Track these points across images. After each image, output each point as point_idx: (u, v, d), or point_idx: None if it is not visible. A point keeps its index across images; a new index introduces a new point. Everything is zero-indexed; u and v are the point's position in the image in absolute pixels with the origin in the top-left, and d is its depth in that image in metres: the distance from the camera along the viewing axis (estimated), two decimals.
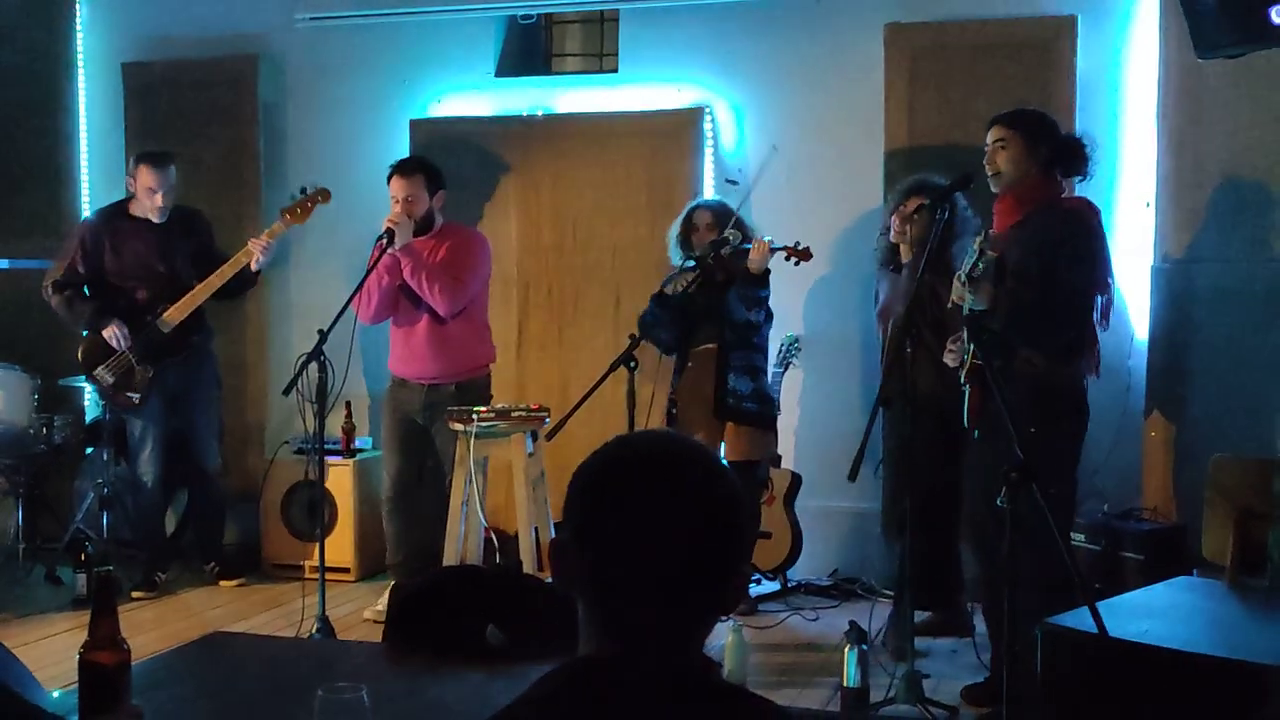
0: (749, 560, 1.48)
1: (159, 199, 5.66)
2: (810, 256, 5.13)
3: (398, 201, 5.35)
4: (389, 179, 5.42)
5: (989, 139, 4.24)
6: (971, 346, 3.90)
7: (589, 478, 1.43)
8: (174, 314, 5.65)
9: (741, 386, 5.26)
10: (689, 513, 1.38)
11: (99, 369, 5.68)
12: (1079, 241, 4.07)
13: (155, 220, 5.71)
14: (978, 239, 3.97)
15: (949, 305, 4.10)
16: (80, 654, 1.98)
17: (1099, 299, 4.14)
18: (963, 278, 3.93)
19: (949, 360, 4.20)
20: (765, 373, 5.42)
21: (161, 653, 2.77)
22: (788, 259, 5.15)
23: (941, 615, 4.96)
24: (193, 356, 5.80)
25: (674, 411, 5.35)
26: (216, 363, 6.05)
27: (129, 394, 5.68)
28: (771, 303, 5.34)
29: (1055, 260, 3.99)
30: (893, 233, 4.90)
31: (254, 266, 5.61)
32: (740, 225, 5.28)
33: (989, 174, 4.22)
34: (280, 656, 2.64)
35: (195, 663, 2.54)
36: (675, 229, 5.45)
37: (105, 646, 1.98)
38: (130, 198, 5.78)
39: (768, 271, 5.20)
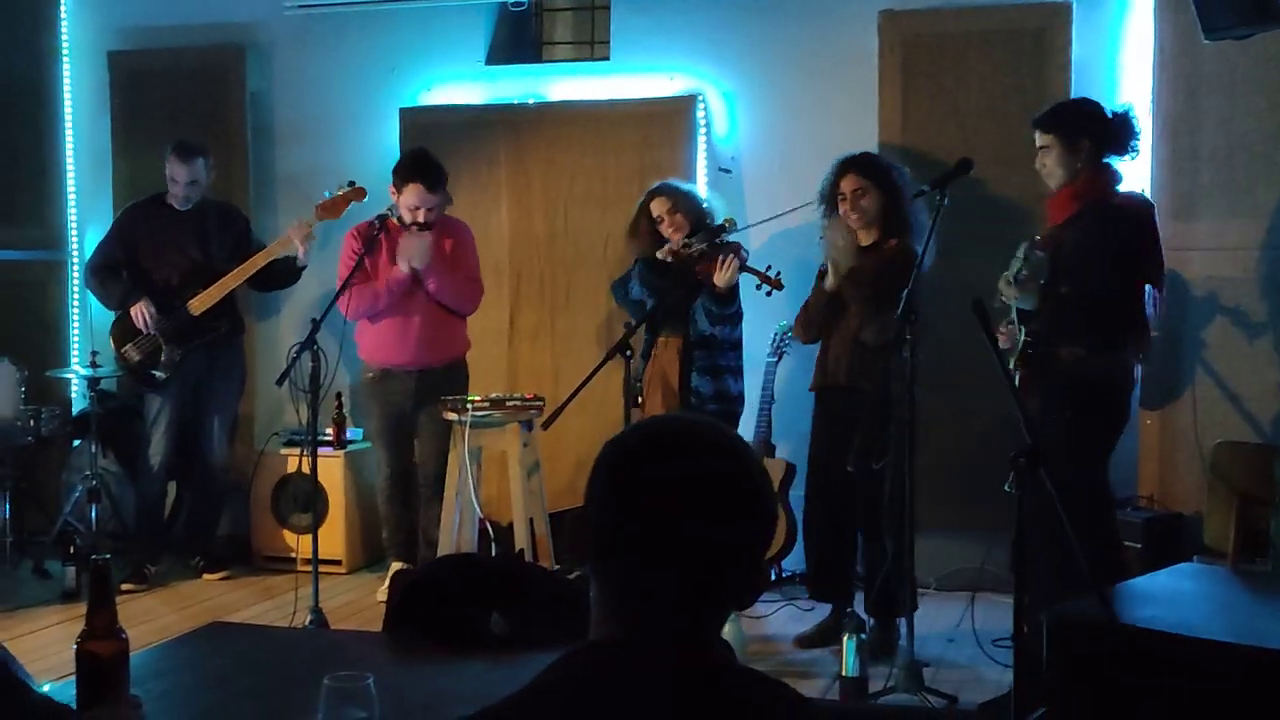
0: (766, 551, 1.46)
1: (178, 189, 5.78)
2: (781, 287, 4.93)
3: (417, 210, 5.33)
4: (406, 181, 5.36)
5: (1036, 141, 4.22)
6: (1022, 334, 3.91)
7: (616, 454, 1.40)
8: (202, 300, 5.71)
9: (704, 388, 5.19)
10: (714, 498, 1.36)
11: (127, 346, 5.76)
12: (1130, 241, 4.06)
13: (179, 209, 5.80)
14: (1024, 245, 3.97)
15: (998, 303, 4.09)
16: (78, 644, 1.94)
17: (1151, 291, 4.14)
18: (1010, 279, 3.94)
19: (1002, 342, 4.15)
20: (730, 370, 5.27)
21: (159, 643, 2.73)
22: (758, 287, 4.98)
23: (878, 633, 4.65)
24: (219, 345, 5.86)
25: (640, 400, 5.27)
26: (243, 357, 6.09)
27: (153, 371, 5.72)
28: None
29: (1107, 262, 3.97)
30: (850, 220, 4.77)
31: (300, 262, 5.70)
32: (697, 211, 5.25)
33: (1043, 176, 4.22)
34: (280, 646, 2.60)
35: (194, 653, 2.50)
36: (629, 225, 5.37)
37: (103, 636, 1.94)
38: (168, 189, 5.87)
39: (736, 285, 5.08)
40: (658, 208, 5.26)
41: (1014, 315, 4.03)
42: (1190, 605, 3.20)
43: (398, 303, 5.43)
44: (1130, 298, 4.09)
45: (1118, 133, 4.14)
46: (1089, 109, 4.24)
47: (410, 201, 5.34)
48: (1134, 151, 4.21)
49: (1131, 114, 4.20)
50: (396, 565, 5.54)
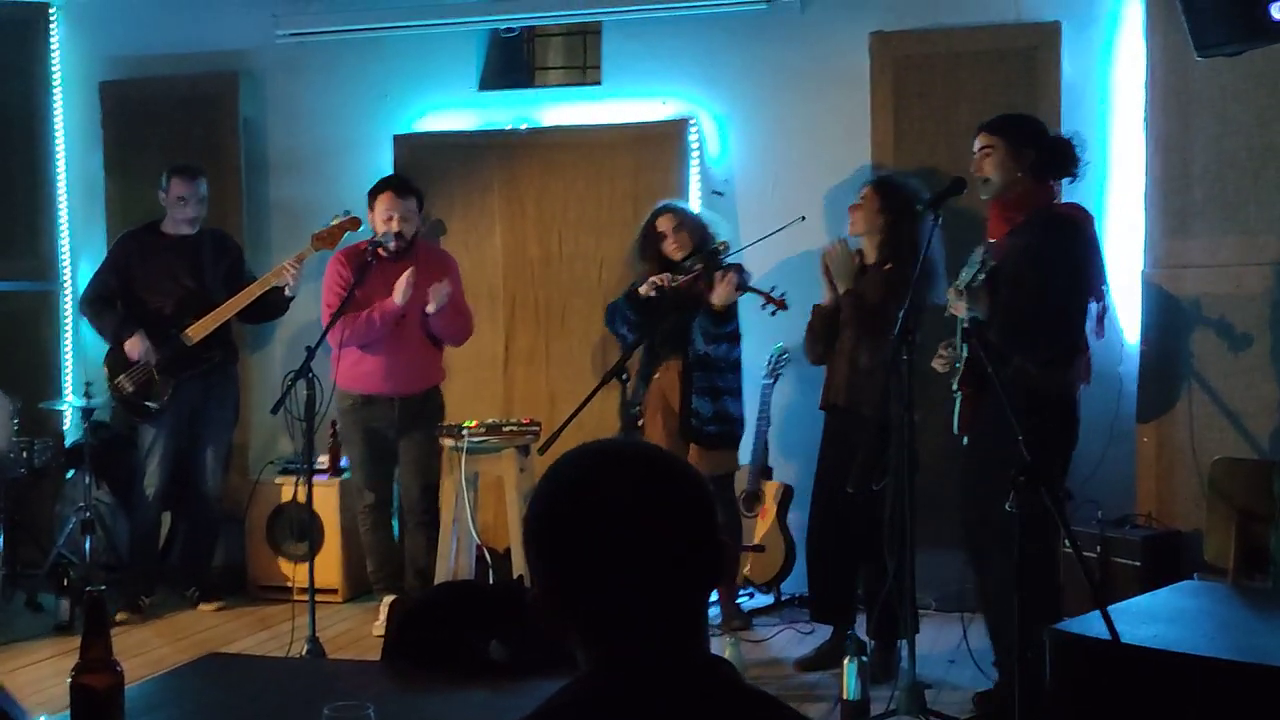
0: (721, 529, 1.48)
1: (188, 209, 5.77)
2: (786, 307, 4.96)
3: (391, 220, 5.32)
4: (376, 195, 5.37)
5: (975, 145, 4.22)
6: (964, 351, 3.87)
7: (545, 522, 1.39)
8: (197, 329, 5.68)
9: (704, 409, 5.19)
10: (655, 509, 1.36)
11: (121, 377, 5.73)
12: (1071, 249, 4.04)
13: (186, 232, 5.80)
14: (980, 250, 3.95)
15: (947, 314, 4.07)
16: (71, 677, 1.91)
17: (1093, 307, 4.10)
18: (961, 287, 3.91)
19: (938, 365, 4.17)
20: (730, 391, 5.28)
21: (155, 675, 2.70)
22: (763, 306, 5.01)
23: (879, 655, 4.62)
24: (214, 374, 5.84)
25: (640, 423, 5.25)
26: (238, 386, 6.07)
27: (147, 403, 5.70)
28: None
29: (1048, 269, 3.96)
30: (848, 228, 4.83)
31: (289, 292, 5.67)
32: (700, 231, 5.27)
33: (979, 181, 4.20)
34: (278, 677, 2.58)
35: (191, 685, 2.47)
36: (636, 243, 5.40)
37: (97, 669, 1.92)
38: (162, 217, 5.86)
39: (733, 305, 5.11)
40: (664, 224, 5.28)
41: (958, 331, 4.00)
42: (1191, 623, 3.19)
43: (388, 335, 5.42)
44: (1074, 313, 4.06)
45: (1059, 154, 4.13)
46: (1037, 124, 4.26)
47: (383, 212, 5.34)
48: (1074, 176, 4.20)
49: (1076, 141, 4.18)
50: (388, 597, 5.49)
